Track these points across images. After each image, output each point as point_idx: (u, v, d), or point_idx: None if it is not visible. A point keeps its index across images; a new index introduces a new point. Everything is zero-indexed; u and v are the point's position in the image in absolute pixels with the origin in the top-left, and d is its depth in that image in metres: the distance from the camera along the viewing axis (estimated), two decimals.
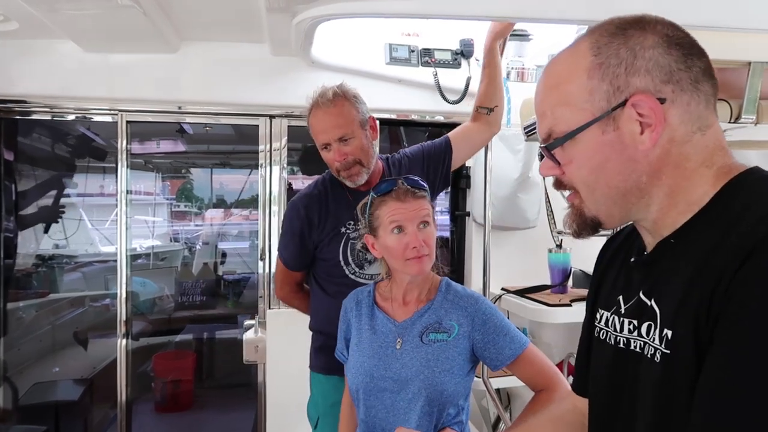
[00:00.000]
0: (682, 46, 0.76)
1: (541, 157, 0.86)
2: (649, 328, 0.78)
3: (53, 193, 3.71)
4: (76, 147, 3.99)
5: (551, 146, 0.82)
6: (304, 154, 3.55)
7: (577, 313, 2.43)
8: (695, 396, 0.67)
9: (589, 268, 2.78)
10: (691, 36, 0.78)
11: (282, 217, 2.09)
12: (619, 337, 0.85)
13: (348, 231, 1.85)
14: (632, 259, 0.87)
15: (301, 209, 1.87)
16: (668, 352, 0.73)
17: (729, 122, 1.68)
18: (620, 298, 0.87)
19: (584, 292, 2.57)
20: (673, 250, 0.77)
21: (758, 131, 1.77)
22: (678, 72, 0.74)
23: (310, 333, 1.98)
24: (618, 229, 1.00)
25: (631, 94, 0.75)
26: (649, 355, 0.77)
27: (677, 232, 0.77)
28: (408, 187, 1.49)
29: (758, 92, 1.62)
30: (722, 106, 1.66)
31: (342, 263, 1.85)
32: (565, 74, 0.80)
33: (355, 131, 1.80)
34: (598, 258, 1.03)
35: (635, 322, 0.81)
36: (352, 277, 1.86)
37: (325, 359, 1.83)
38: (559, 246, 2.63)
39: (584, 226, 0.84)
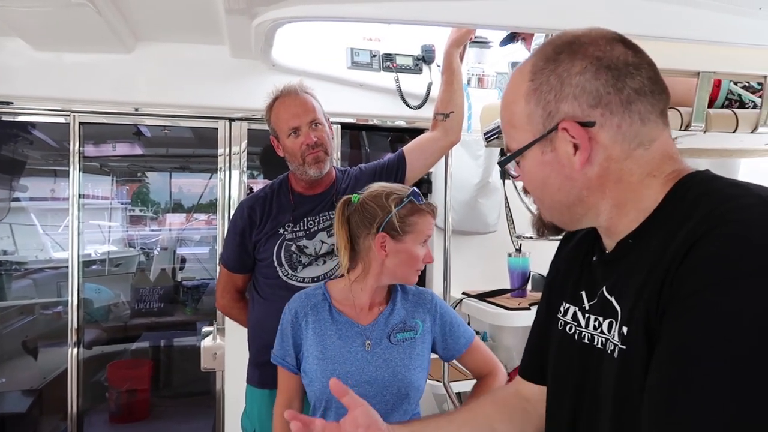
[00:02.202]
0: (612, 68, 0.77)
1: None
2: (610, 325, 0.81)
3: None
4: None
5: (501, 163, 0.88)
6: (264, 154, 3.50)
7: None
8: (645, 392, 0.69)
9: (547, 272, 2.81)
10: (628, 54, 0.78)
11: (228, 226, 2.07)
12: (584, 333, 0.88)
13: (285, 233, 1.87)
14: (594, 258, 0.91)
15: (246, 209, 1.91)
16: (624, 347, 0.76)
17: (679, 130, 1.73)
18: (583, 293, 0.90)
19: None
20: (631, 250, 0.80)
21: (707, 139, 1.83)
22: (606, 96, 0.76)
23: None
24: None
25: (561, 119, 0.78)
26: (609, 351, 0.80)
27: (634, 233, 0.80)
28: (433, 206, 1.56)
29: (706, 101, 1.68)
30: (673, 115, 1.70)
31: (275, 264, 1.86)
32: (511, 96, 0.85)
33: (323, 121, 1.88)
34: (558, 247, 1.06)
35: (600, 318, 0.84)
36: (284, 278, 1.87)
37: (259, 373, 1.88)
38: (519, 250, 2.66)
39: (544, 228, 0.91)
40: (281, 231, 1.88)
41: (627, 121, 0.77)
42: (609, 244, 0.86)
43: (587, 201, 0.81)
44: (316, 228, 1.89)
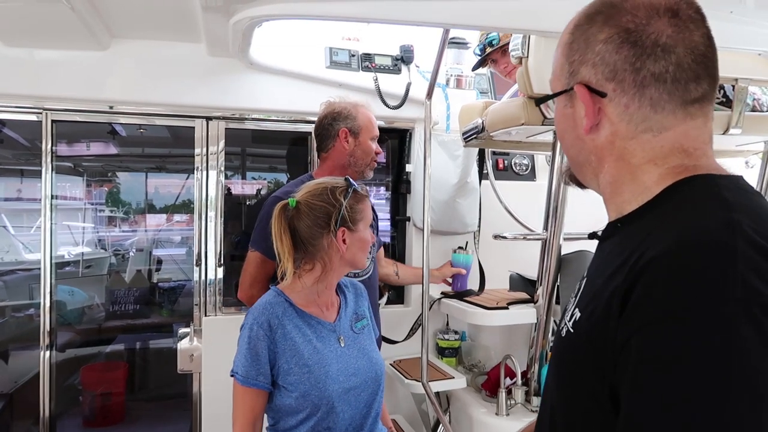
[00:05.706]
0: (637, 45, 0.73)
1: None
2: (569, 305, 0.82)
3: None
4: None
5: (538, 101, 0.97)
6: (290, 154, 3.51)
7: (514, 315, 2.48)
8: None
9: (525, 272, 2.84)
10: (665, 32, 0.72)
11: (261, 217, 2.07)
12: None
13: None
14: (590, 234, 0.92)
15: None
16: (572, 331, 0.76)
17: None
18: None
19: (521, 294, 2.63)
20: (617, 233, 0.79)
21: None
22: (622, 72, 0.74)
23: None
24: None
25: (578, 81, 0.78)
26: (562, 329, 0.81)
27: (625, 218, 0.79)
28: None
29: None
30: None
31: None
32: (559, 41, 0.85)
33: None
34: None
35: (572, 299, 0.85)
36: None
37: None
38: (462, 247, 2.73)
39: (569, 178, 0.92)
40: None
41: (636, 104, 0.75)
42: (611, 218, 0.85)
43: (595, 166, 0.82)
44: None
